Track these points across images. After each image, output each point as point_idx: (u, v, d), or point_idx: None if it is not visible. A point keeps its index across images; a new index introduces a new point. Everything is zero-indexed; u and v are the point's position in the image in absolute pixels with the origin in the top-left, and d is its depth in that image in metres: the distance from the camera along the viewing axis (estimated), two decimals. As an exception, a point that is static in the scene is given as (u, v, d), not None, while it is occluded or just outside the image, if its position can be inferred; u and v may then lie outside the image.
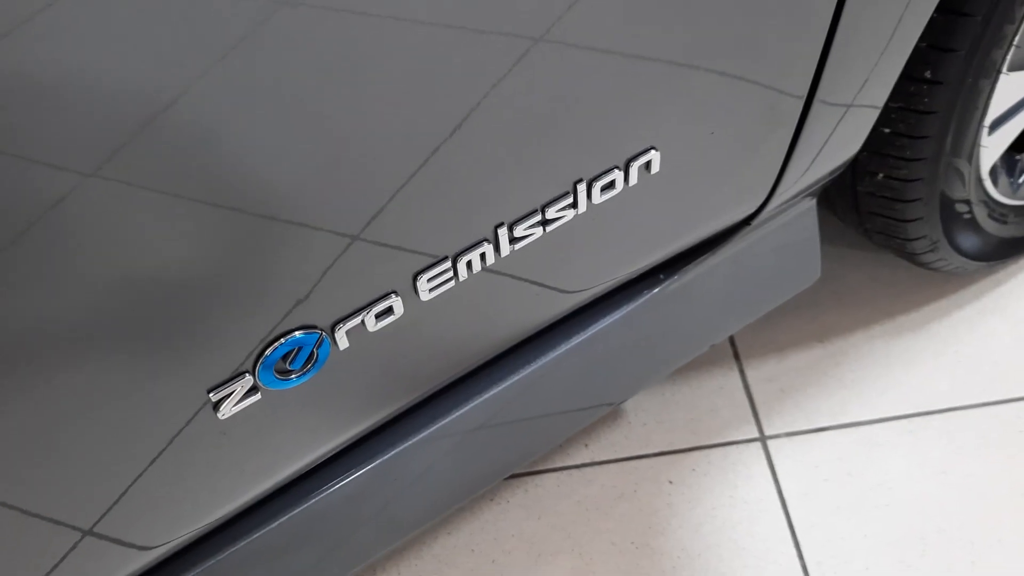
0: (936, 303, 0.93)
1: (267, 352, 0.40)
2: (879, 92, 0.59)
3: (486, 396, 0.60)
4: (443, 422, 0.59)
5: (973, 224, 0.81)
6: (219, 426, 0.41)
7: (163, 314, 0.36)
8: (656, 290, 0.63)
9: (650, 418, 0.87)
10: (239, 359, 0.40)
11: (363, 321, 0.43)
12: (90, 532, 0.43)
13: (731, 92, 0.49)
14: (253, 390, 0.41)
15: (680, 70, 0.45)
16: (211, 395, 0.40)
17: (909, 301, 0.93)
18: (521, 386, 0.62)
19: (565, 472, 0.85)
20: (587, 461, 0.85)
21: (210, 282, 0.36)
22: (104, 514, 0.43)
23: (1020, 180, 0.83)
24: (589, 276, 0.57)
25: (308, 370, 0.42)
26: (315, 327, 0.41)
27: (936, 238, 0.79)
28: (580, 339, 0.63)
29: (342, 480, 0.56)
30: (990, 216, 0.82)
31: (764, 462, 0.83)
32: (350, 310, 0.42)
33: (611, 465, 0.85)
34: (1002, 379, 0.86)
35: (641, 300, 0.64)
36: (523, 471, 0.85)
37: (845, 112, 0.58)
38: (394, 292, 0.43)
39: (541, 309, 0.57)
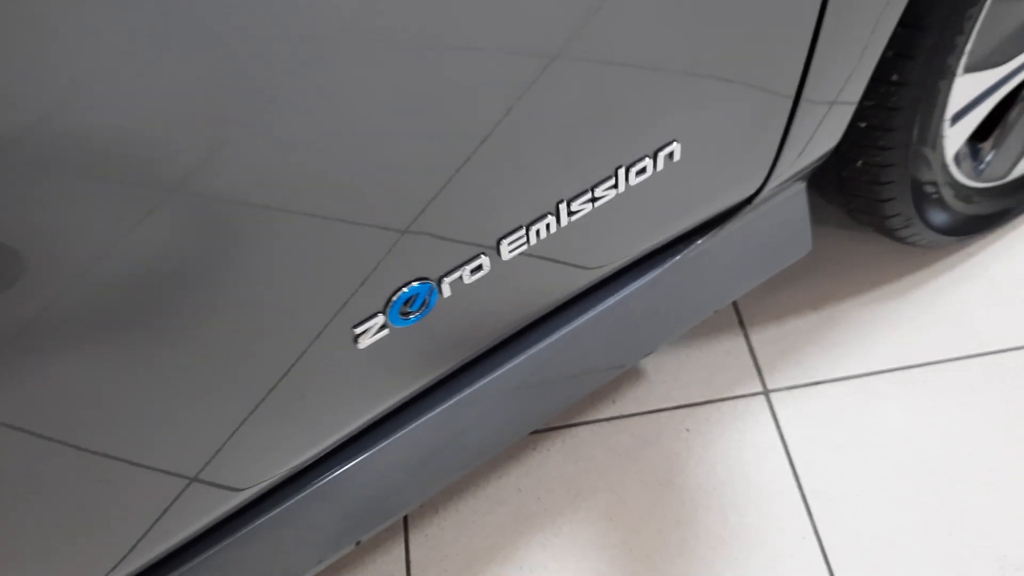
0: (915, 273, 1.06)
1: (394, 297, 0.54)
2: (853, 92, 0.73)
3: (536, 349, 0.74)
4: (501, 371, 0.73)
5: (941, 203, 0.95)
6: (357, 355, 0.55)
7: (327, 266, 0.50)
8: (675, 259, 0.77)
9: (668, 376, 1.01)
10: (377, 303, 0.53)
11: (461, 276, 0.57)
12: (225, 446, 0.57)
13: (736, 95, 0.63)
14: (384, 327, 0.55)
15: (697, 79, 0.59)
16: (355, 329, 0.54)
17: (891, 272, 1.07)
18: (563, 342, 0.75)
19: (597, 424, 0.98)
20: (616, 415, 0.99)
21: (358, 245, 0.50)
22: (233, 431, 0.57)
23: (982, 165, 0.97)
24: (622, 247, 0.71)
25: (422, 312, 0.56)
26: (428, 278, 0.55)
27: (910, 216, 0.92)
28: (611, 302, 0.77)
29: (420, 418, 0.70)
30: (956, 196, 0.96)
31: (768, 412, 0.97)
32: (452, 266, 0.55)
33: (636, 417, 0.98)
34: (976, 337, 1.00)
35: (662, 268, 0.78)
36: (560, 424, 0.98)
37: (827, 109, 0.72)
38: (483, 252, 0.57)
39: (580, 277, 0.71)
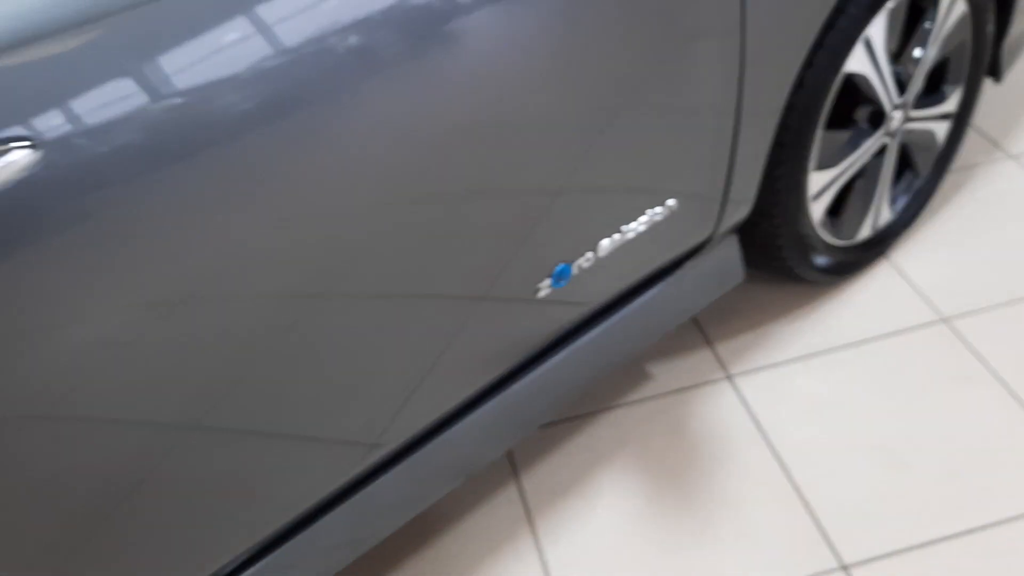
0: (825, 296, 1.67)
1: (555, 268, 1.11)
2: (753, 186, 1.35)
3: (601, 327, 1.30)
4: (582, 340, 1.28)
5: (817, 253, 1.57)
6: (535, 303, 1.11)
7: (528, 250, 1.07)
8: (656, 288, 1.35)
9: (661, 373, 1.57)
10: (547, 273, 1.10)
11: (581, 263, 1.14)
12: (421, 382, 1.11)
13: (691, 195, 1.24)
14: (548, 287, 1.12)
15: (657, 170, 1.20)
16: (537, 286, 1.10)
17: (801, 298, 1.67)
18: (606, 329, 1.31)
19: (632, 405, 1.53)
20: (640, 398, 1.54)
21: (543, 242, 1.08)
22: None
23: (837, 230, 1.60)
24: (617, 283, 1.28)
25: (563, 282, 1.13)
26: (569, 261, 1.12)
27: (799, 260, 1.54)
28: (609, 322, 1.32)
29: (538, 367, 1.25)
30: (826, 250, 1.59)
31: (733, 392, 1.53)
32: (581, 254, 1.13)
33: (642, 404, 1.53)
34: (868, 323, 1.59)
35: (647, 295, 1.35)
36: (612, 406, 1.52)
37: (741, 197, 1.34)
38: (591, 251, 1.15)
39: (614, 282, 1.28)
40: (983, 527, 1.28)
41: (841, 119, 1.45)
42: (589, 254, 1.16)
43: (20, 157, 0.66)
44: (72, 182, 0.69)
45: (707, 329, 1.63)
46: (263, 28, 0.75)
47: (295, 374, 0.92)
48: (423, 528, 1.37)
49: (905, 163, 1.67)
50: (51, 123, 0.67)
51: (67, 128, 0.68)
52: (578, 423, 1.50)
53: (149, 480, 0.85)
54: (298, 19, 0.77)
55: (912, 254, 1.71)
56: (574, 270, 1.15)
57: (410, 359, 1.03)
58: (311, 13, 0.78)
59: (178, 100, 0.71)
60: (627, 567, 1.29)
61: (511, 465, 1.45)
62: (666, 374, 1.57)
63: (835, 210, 1.58)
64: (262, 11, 0.75)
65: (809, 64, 1.29)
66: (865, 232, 1.64)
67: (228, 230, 0.78)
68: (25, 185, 0.66)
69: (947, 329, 1.57)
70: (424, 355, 1.04)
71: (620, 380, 1.56)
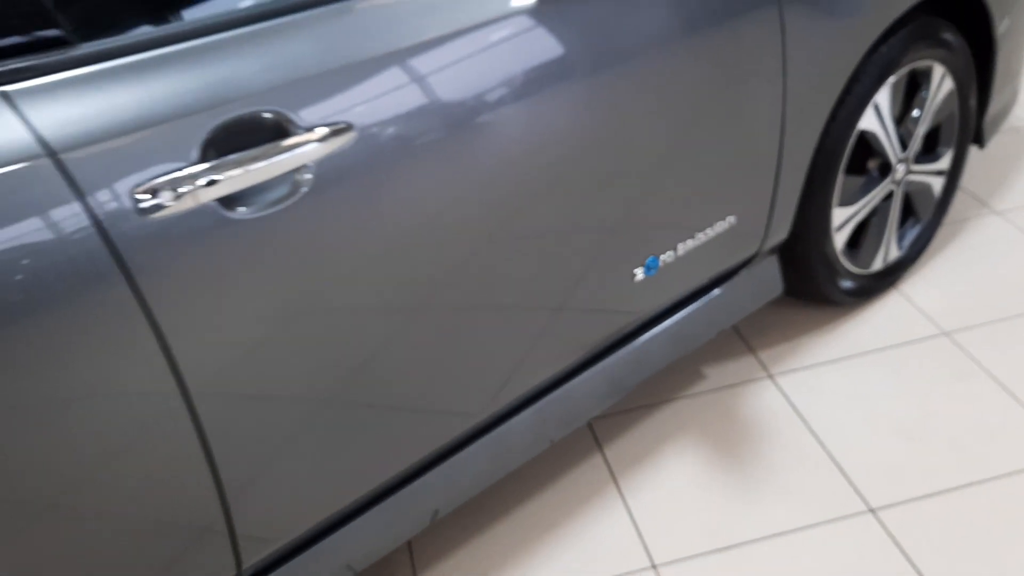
0: (846, 316, 2.02)
1: (647, 260, 1.47)
2: (789, 216, 1.73)
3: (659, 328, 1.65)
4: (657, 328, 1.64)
5: (842, 278, 1.94)
6: (632, 284, 1.47)
7: (632, 244, 1.43)
8: (711, 294, 1.72)
9: (713, 373, 1.91)
10: (640, 262, 1.46)
11: (664, 258, 1.50)
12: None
13: (744, 218, 1.62)
14: (640, 274, 1.48)
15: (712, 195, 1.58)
16: (635, 271, 1.46)
17: (825, 317, 2.03)
18: (675, 322, 1.67)
19: (690, 397, 1.86)
20: (697, 392, 1.87)
21: (641, 240, 1.44)
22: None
23: (856, 259, 1.97)
24: (687, 282, 1.65)
25: (652, 271, 1.49)
26: (656, 255, 1.49)
27: (828, 283, 1.91)
28: (677, 317, 1.68)
29: (618, 350, 1.60)
30: (849, 276, 1.95)
31: (775, 388, 1.87)
32: (665, 251, 1.49)
33: (699, 396, 1.87)
34: (882, 336, 1.94)
35: (700, 302, 1.72)
36: (673, 398, 1.86)
37: (781, 223, 1.72)
38: (672, 250, 1.52)
39: (672, 289, 1.64)
40: (982, 480, 1.60)
41: (857, 167, 1.84)
42: (671, 252, 1.52)
43: (348, 136, 1.04)
44: (370, 153, 1.07)
45: (748, 339, 1.98)
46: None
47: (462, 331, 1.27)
48: (525, 487, 1.69)
49: (908, 210, 2.05)
50: (362, 115, 1.06)
51: (372, 119, 1.06)
52: (645, 411, 1.83)
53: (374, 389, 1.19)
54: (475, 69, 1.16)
55: (917, 284, 2.08)
56: (660, 263, 1.51)
57: (543, 320, 1.39)
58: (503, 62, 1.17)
59: (434, 110, 1.10)
60: (697, 511, 1.61)
61: (595, 440, 1.78)
62: (717, 374, 1.91)
63: (854, 243, 1.95)
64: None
65: (832, 119, 1.68)
66: (878, 264, 2.01)
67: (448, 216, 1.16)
68: (349, 152, 1.04)
69: (948, 340, 1.92)
70: (548, 323, 1.39)
71: (678, 378, 1.90)
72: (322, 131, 1.02)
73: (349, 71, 1.05)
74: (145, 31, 0.98)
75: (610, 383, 1.58)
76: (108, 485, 0.98)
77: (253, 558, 1.20)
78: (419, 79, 1.10)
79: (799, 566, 1.49)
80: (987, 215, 2.29)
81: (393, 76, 1.08)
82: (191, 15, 1.02)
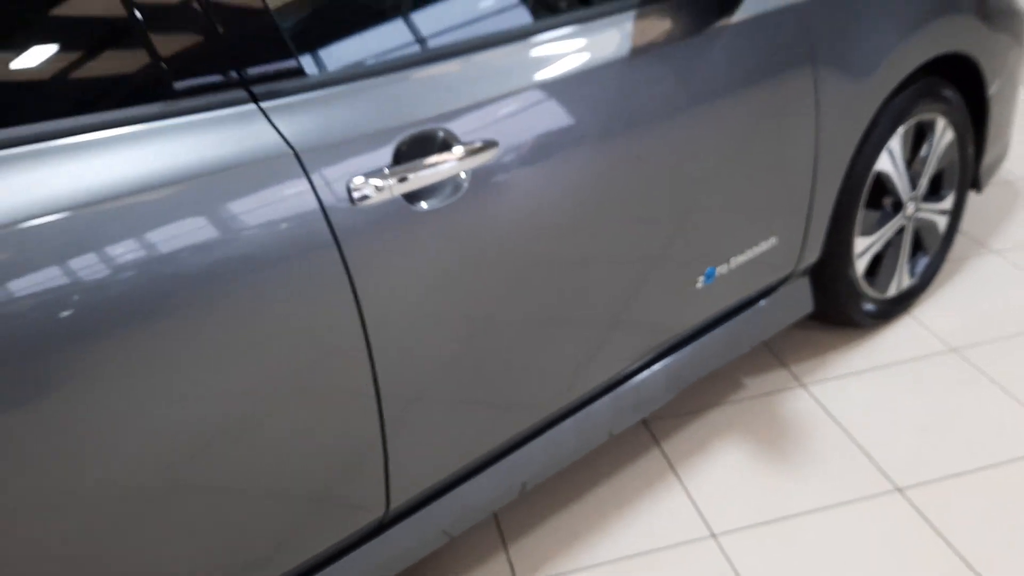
0: (865, 336, 2.30)
1: (707, 270, 1.75)
2: (819, 239, 2.03)
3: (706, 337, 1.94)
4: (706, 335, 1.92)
5: (865, 302, 2.23)
6: (695, 291, 1.75)
7: (696, 258, 1.72)
8: (755, 307, 2.00)
9: (751, 383, 2.18)
10: (701, 269, 1.75)
11: (720, 269, 1.79)
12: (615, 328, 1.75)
13: (784, 237, 1.92)
14: (701, 282, 1.76)
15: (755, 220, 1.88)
16: (696, 280, 1.74)
17: (844, 338, 2.30)
18: (723, 331, 1.95)
19: (733, 403, 2.13)
20: (739, 399, 2.14)
21: (700, 247, 1.73)
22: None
23: (874, 284, 2.26)
24: (735, 293, 1.94)
25: (710, 280, 1.77)
26: (714, 265, 1.77)
27: (853, 307, 2.19)
28: (724, 327, 1.96)
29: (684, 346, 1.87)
30: (871, 299, 2.25)
31: (807, 395, 2.14)
32: (721, 263, 1.78)
33: (741, 403, 2.14)
34: (897, 352, 2.22)
35: (745, 313, 2.00)
36: (717, 403, 2.12)
37: (813, 247, 2.02)
38: (726, 263, 1.80)
39: (727, 296, 1.93)
40: (994, 464, 1.86)
41: (874, 203, 2.15)
42: (725, 265, 1.81)
43: (495, 151, 1.34)
44: (512, 164, 1.36)
45: (781, 356, 2.26)
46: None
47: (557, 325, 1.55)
48: (594, 476, 1.95)
49: (918, 244, 2.35)
50: (506, 135, 1.35)
51: (514, 139, 1.36)
52: (695, 415, 2.10)
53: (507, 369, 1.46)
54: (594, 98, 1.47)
55: (926, 309, 2.37)
56: (717, 274, 1.80)
57: (620, 317, 1.66)
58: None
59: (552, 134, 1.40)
60: (747, 491, 1.86)
61: (653, 438, 2.04)
62: (755, 384, 2.18)
63: (872, 272, 2.25)
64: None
65: (854, 160, 1.99)
66: (893, 290, 2.30)
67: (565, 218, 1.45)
68: (495, 163, 1.34)
69: (956, 356, 2.20)
70: (624, 320, 1.67)
71: (721, 386, 2.17)
72: (476, 146, 1.31)
73: (498, 101, 1.36)
74: (356, 65, 1.29)
75: (672, 378, 1.85)
76: (302, 413, 1.24)
77: (398, 502, 1.45)
78: (552, 109, 1.40)
79: (838, 535, 1.74)
80: (986, 254, 2.60)
81: (530, 105, 1.38)
82: (390, 54, 1.32)
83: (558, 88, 1.42)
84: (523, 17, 1.47)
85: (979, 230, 2.71)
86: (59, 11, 1.08)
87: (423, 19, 1.38)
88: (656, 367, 1.82)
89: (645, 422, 2.08)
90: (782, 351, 2.28)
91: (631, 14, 1.54)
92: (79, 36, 1.08)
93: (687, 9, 1.59)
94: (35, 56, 1.06)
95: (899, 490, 1.83)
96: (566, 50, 1.45)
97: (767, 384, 2.17)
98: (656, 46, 1.54)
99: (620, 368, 1.72)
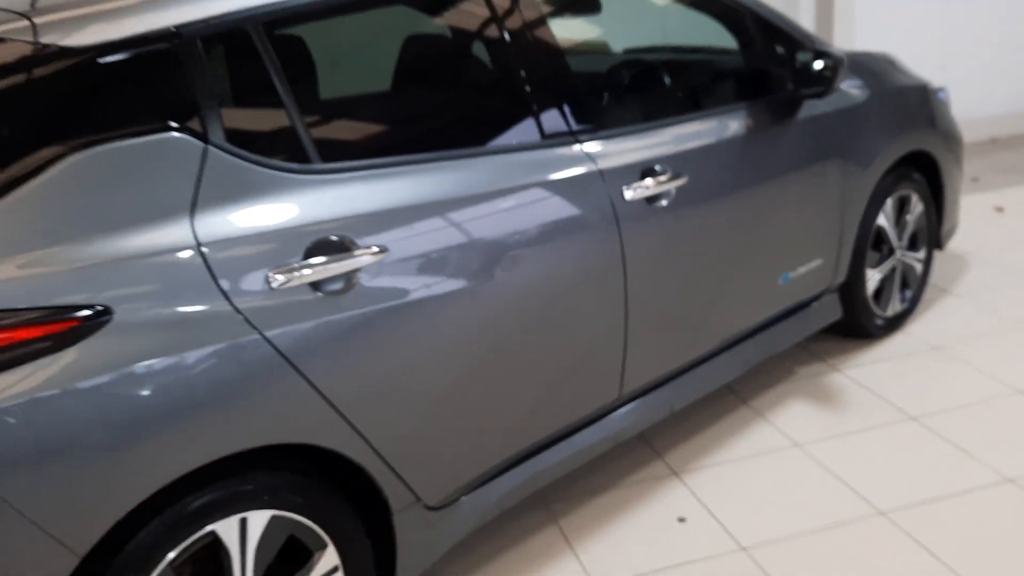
0: (883, 340, 3.32)
1: (784, 275, 2.77)
2: (845, 265, 3.08)
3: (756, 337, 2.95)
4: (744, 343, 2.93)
5: (878, 317, 3.27)
6: (778, 285, 2.76)
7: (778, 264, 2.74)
8: (802, 311, 3.02)
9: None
10: (781, 273, 2.77)
11: (791, 274, 2.81)
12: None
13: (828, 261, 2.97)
14: (781, 282, 2.78)
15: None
16: (779, 278, 2.76)
17: (868, 343, 3.32)
18: (773, 331, 2.96)
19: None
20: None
21: (781, 259, 2.75)
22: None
23: (879, 305, 3.30)
24: (795, 295, 2.97)
25: (785, 282, 2.79)
26: (788, 272, 2.79)
27: (868, 320, 3.23)
28: (776, 327, 2.98)
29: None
30: (880, 315, 3.29)
31: (838, 373, 3.13)
32: (789, 271, 2.80)
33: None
34: (902, 349, 3.23)
35: (797, 314, 3.02)
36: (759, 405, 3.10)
37: (844, 269, 3.07)
38: (792, 271, 2.83)
39: (766, 306, 2.95)
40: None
41: (877, 247, 3.23)
42: (791, 272, 2.85)
43: (681, 180, 2.38)
44: (693, 193, 2.40)
45: (654, 445, 3.27)
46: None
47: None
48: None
49: (904, 281, 3.42)
50: (694, 169, 2.40)
51: (698, 174, 2.41)
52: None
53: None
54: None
55: (917, 322, 3.41)
56: (790, 277, 2.83)
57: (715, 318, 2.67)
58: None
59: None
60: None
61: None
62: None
63: (877, 296, 3.31)
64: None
65: (864, 216, 3.08)
66: (890, 312, 3.35)
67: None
68: (685, 189, 2.38)
69: (941, 354, 3.23)
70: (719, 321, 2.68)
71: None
72: (672, 176, 2.34)
73: (680, 152, 2.41)
74: (620, 119, 2.34)
75: (738, 360, 2.81)
76: (592, 328, 2.20)
77: (626, 390, 2.39)
78: (712, 166, 2.46)
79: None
80: (950, 297, 3.68)
81: (714, 161, 2.44)
82: (629, 110, 2.37)
83: (712, 153, 2.49)
84: (684, 106, 2.54)
85: (943, 278, 3.81)
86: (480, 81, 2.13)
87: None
88: (728, 352, 2.77)
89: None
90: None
91: (741, 109, 2.63)
92: (493, 100, 2.13)
93: (768, 109, 2.69)
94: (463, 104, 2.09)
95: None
96: (707, 131, 2.52)
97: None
98: (752, 132, 2.62)
99: (736, 331, 2.71)
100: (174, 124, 1.62)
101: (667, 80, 2.65)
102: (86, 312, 1.46)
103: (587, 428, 2.37)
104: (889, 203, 3.19)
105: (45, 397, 1.41)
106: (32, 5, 1.77)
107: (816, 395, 3.00)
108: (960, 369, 3.09)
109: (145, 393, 1.50)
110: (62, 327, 1.44)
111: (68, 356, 1.44)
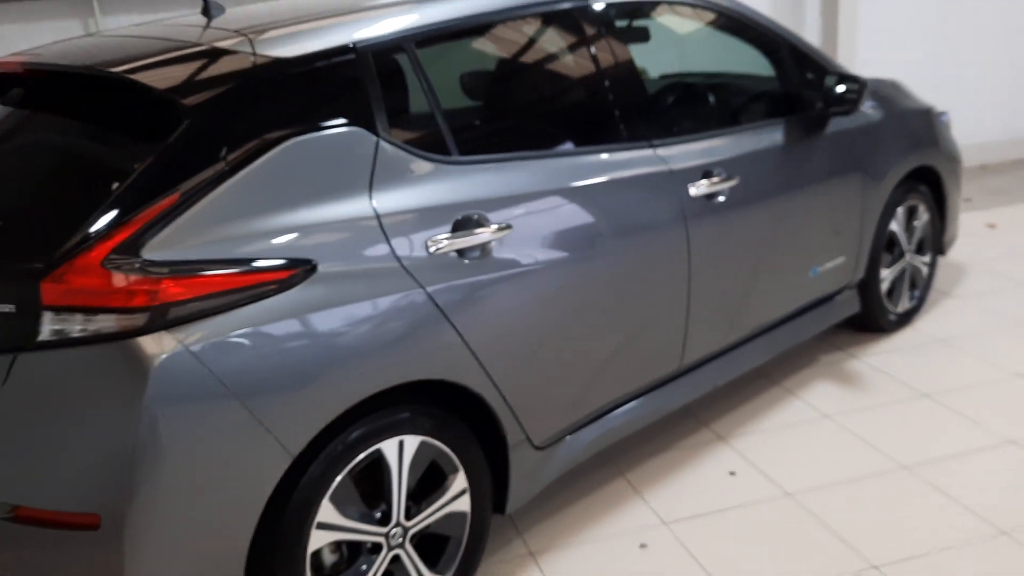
0: (894, 334, 3.74)
1: (813, 269, 3.19)
2: (864, 264, 3.51)
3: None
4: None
5: (891, 313, 3.69)
6: (808, 277, 3.18)
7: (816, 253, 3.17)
8: (827, 303, 3.44)
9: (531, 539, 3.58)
10: (811, 266, 3.18)
11: (820, 269, 3.23)
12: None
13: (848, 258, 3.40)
14: (811, 274, 3.19)
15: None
16: (810, 270, 3.18)
17: (882, 336, 3.74)
18: (798, 322, 3.38)
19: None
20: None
21: (811, 255, 3.17)
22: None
23: (892, 302, 3.73)
24: (822, 288, 3.39)
25: (815, 274, 3.21)
26: (817, 266, 3.21)
27: (883, 315, 3.66)
28: (802, 318, 3.40)
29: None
30: (892, 311, 3.71)
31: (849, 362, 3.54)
32: (817, 266, 3.22)
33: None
34: (907, 341, 3.65)
35: (823, 306, 3.44)
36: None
37: (862, 270, 3.49)
38: (820, 266, 3.25)
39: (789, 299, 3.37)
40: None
41: (890, 249, 3.66)
42: (819, 267, 3.27)
43: (733, 182, 2.80)
44: (743, 191, 2.83)
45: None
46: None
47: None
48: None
49: (912, 281, 3.85)
50: (744, 172, 2.82)
51: (745, 175, 2.83)
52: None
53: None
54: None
55: (923, 319, 3.84)
56: (819, 271, 3.25)
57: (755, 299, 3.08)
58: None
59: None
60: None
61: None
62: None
63: (889, 294, 3.74)
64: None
65: (879, 222, 3.51)
66: (900, 308, 3.78)
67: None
68: (736, 188, 2.80)
69: (946, 345, 3.65)
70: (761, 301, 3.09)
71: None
72: (726, 177, 2.77)
73: (732, 158, 2.84)
74: (681, 128, 2.77)
75: (771, 344, 3.21)
76: (661, 307, 2.61)
77: (686, 361, 2.79)
78: (757, 171, 2.89)
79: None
80: (951, 299, 4.11)
81: (759, 167, 2.86)
82: (688, 121, 2.80)
83: (757, 159, 2.92)
84: (734, 120, 2.98)
85: (944, 282, 4.24)
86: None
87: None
88: (763, 336, 3.18)
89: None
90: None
91: (780, 124, 3.07)
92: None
93: (802, 125, 3.13)
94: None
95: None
96: (752, 141, 2.96)
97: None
98: (789, 143, 3.06)
99: (772, 317, 3.13)
100: (355, 120, 2.03)
101: (720, 99, 3.09)
102: (301, 265, 1.86)
103: (652, 392, 2.76)
104: (900, 211, 3.63)
105: (273, 327, 1.80)
106: (207, 23, 2.19)
107: (839, 377, 3.41)
108: (965, 358, 3.51)
109: (341, 328, 1.89)
110: (285, 275, 1.84)
111: (289, 296, 1.83)
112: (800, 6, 6.00)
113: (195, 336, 1.72)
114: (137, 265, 1.70)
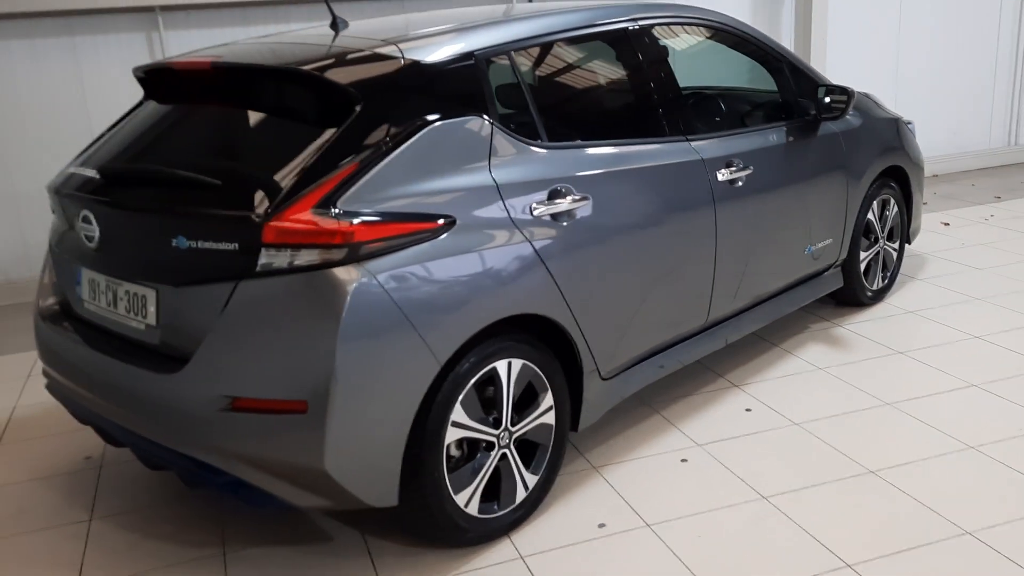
0: (870, 307, 4.39)
1: (808, 247, 3.82)
2: (847, 245, 4.16)
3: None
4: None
5: (868, 289, 4.35)
6: (803, 255, 3.81)
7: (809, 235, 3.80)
8: (814, 280, 4.08)
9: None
10: (806, 245, 3.82)
11: (812, 248, 3.86)
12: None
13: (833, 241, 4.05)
14: (806, 251, 3.83)
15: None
16: (805, 248, 3.81)
17: (860, 308, 4.39)
18: (789, 295, 4.02)
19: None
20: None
21: (809, 234, 3.81)
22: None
23: (868, 280, 4.38)
24: (811, 267, 4.03)
25: (809, 251, 3.85)
26: (811, 246, 3.85)
27: (860, 291, 4.31)
28: (791, 292, 4.04)
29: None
30: (869, 288, 4.37)
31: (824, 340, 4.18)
32: (811, 245, 3.85)
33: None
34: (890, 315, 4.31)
35: (811, 281, 4.09)
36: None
37: (844, 249, 4.14)
38: (812, 246, 3.89)
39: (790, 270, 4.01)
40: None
41: (866, 236, 4.33)
42: (812, 246, 3.91)
43: (748, 171, 3.44)
44: (759, 178, 3.46)
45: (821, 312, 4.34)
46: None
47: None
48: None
49: (884, 264, 4.52)
50: (758, 164, 3.46)
51: (759, 167, 3.47)
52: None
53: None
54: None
55: (894, 296, 4.51)
56: (812, 249, 3.89)
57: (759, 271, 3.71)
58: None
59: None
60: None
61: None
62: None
63: (865, 273, 4.40)
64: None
65: (859, 211, 4.17)
66: (875, 286, 4.45)
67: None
68: (750, 177, 3.44)
69: (914, 316, 4.32)
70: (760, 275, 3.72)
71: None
72: (743, 167, 3.40)
73: (748, 151, 3.47)
74: (709, 126, 3.39)
75: (772, 310, 3.83)
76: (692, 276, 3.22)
77: (711, 319, 3.40)
78: (765, 165, 3.52)
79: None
80: (918, 282, 4.80)
81: (762, 163, 3.49)
82: (706, 121, 3.42)
83: (767, 154, 3.55)
84: (747, 122, 3.62)
85: (912, 269, 4.92)
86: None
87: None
88: (759, 307, 3.81)
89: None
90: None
91: (780, 129, 3.71)
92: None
93: (799, 127, 3.78)
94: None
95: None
96: (762, 139, 3.60)
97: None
98: (790, 142, 3.70)
99: (774, 287, 3.76)
100: (476, 111, 2.61)
101: (733, 106, 3.73)
102: (446, 219, 2.43)
103: (682, 343, 3.36)
104: (875, 204, 4.30)
105: (430, 264, 2.36)
106: (335, 36, 2.77)
107: (828, 340, 4.05)
108: (929, 324, 4.18)
109: (475, 268, 2.46)
110: (435, 225, 2.41)
111: (439, 242, 2.40)
112: (777, 16, 6.73)
113: (377, 268, 2.28)
114: (335, 213, 2.25)
